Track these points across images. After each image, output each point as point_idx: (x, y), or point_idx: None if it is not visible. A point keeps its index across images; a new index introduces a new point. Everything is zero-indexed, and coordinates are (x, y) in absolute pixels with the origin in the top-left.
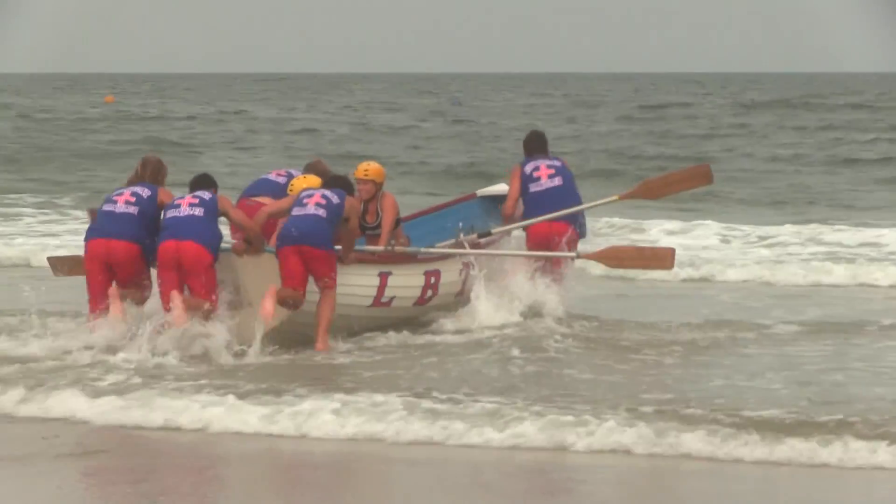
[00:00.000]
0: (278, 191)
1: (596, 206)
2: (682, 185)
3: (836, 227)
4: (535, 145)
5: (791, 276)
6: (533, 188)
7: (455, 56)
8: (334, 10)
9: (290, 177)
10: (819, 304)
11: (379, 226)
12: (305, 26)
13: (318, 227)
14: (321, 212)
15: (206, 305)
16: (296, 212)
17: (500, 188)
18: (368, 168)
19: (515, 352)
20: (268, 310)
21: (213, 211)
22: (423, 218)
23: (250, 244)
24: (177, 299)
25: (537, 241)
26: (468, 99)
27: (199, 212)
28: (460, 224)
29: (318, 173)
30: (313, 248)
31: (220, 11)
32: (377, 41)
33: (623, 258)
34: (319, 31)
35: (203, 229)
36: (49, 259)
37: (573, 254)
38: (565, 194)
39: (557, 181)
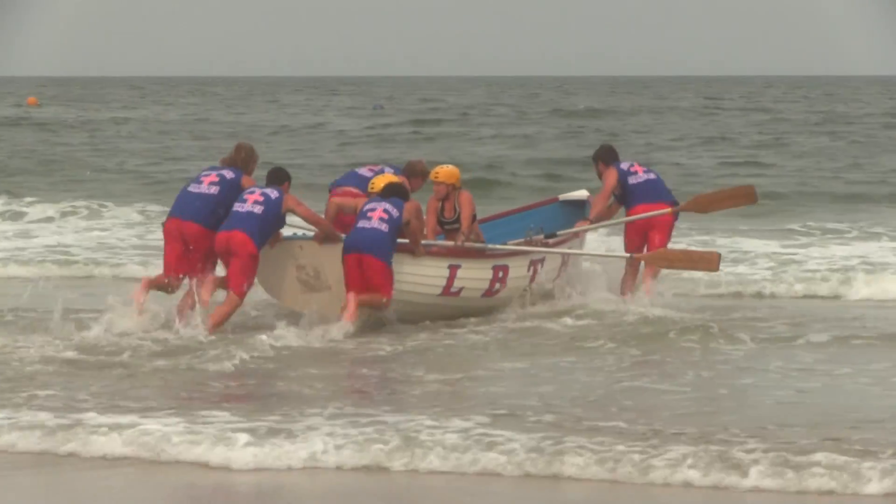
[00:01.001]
0: (362, 184)
1: (653, 216)
2: (728, 202)
3: None
4: (612, 157)
5: None
6: (631, 180)
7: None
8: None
9: (381, 172)
10: None
11: (457, 220)
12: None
13: (379, 240)
14: (383, 226)
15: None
16: (360, 224)
17: (581, 193)
18: (439, 171)
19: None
20: (351, 312)
21: (273, 210)
22: (505, 219)
23: (328, 234)
24: (352, 300)
25: (636, 230)
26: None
27: (258, 210)
28: (531, 226)
29: (415, 173)
30: (375, 258)
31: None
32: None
33: (672, 259)
34: (320, 34)
35: (254, 225)
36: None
37: (628, 255)
38: (660, 187)
39: (652, 175)
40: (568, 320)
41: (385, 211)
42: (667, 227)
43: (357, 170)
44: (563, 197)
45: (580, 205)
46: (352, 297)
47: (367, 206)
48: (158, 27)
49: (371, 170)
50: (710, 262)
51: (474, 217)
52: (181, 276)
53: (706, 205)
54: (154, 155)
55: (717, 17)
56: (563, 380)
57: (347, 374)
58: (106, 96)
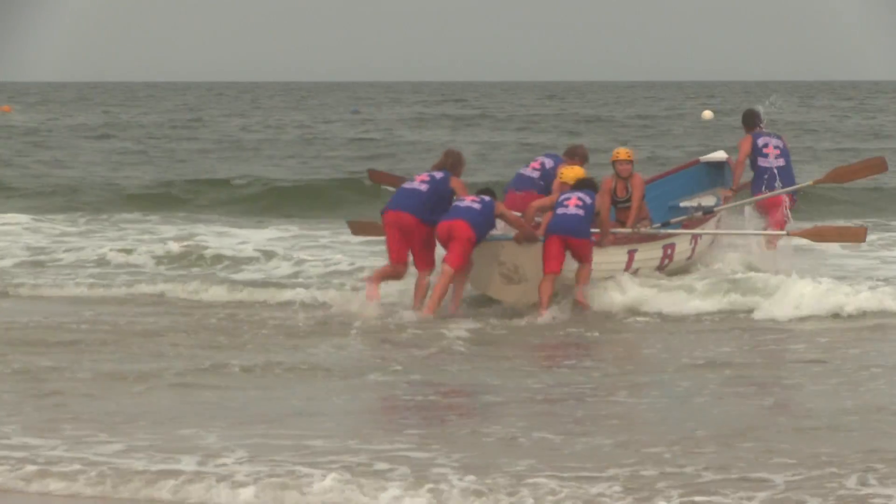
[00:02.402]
0: (531, 184)
1: (798, 189)
2: (862, 172)
3: None
4: (754, 120)
5: None
6: (761, 162)
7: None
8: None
9: (543, 168)
10: None
11: (628, 200)
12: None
13: (579, 223)
14: (580, 212)
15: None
16: (560, 211)
17: (720, 155)
18: (620, 151)
19: None
20: (544, 304)
21: (487, 212)
22: (655, 183)
23: (525, 235)
24: (544, 292)
25: (763, 205)
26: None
27: (476, 206)
28: (699, 204)
29: (577, 156)
30: (576, 238)
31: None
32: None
33: (825, 234)
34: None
35: (474, 218)
36: (349, 222)
37: (784, 232)
38: (785, 174)
39: (781, 161)
40: None
41: (579, 199)
42: (781, 207)
43: (522, 171)
44: (703, 159)
45: (720, 166)
46: (544, 288)
47: (563, 196)
48: (172, 31)
49: (534, 167)
50: (857, 234)
51: (643, 197)
52: (405, 261)
53: (844, 176)
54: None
55: (717, 19)
56: None
57: None
58: (95, 99)
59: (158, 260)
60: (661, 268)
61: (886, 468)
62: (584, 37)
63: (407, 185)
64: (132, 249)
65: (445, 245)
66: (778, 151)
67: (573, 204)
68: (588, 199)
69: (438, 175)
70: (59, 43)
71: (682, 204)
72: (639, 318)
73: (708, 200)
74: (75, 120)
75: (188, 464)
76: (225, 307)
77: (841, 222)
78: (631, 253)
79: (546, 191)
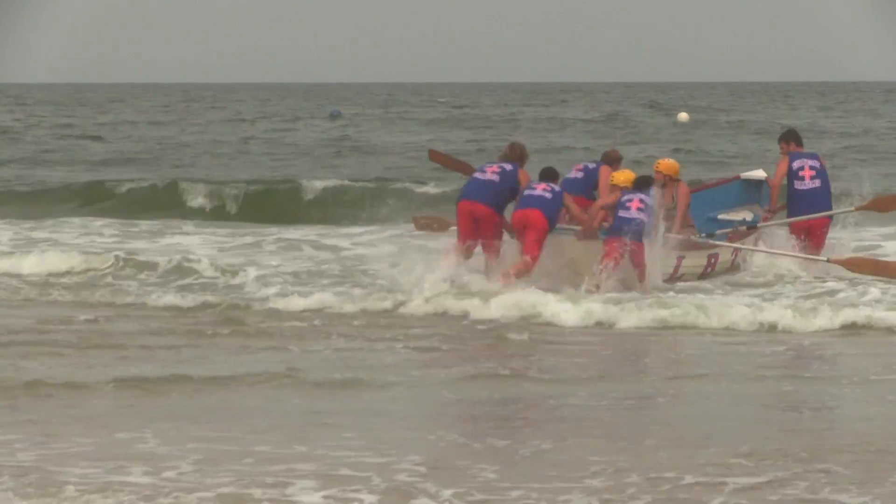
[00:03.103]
0: (578, 186)
1: (837, 213)
2: None
3: None
4: (792, 140)
5: None
6: (798, 185)
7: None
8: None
9: (586, 170)
10: None
11: (673, 208)
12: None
13: (640, 229)
14: (642, 216)
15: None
16: (621, 213)
17: (759, 174)
18: (660, 163)
19: None
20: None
21: (558, 200)
22: (695, 195)
23: (586, 233)
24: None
25: (797, 228)
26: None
27: (548, 195)
28: (743, 219)
29: (613, 160)
30: (636, 243)
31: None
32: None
33: (862, 266)
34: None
35: (547, 207)
36: (414, 217)
37: (824, 258)
38: (822, 196)
39: (817, 183)
40: None
41: (641, 200)
42: (822, 232)
43: (568, 176)
44: (743, 175)
45: (758, 184)
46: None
47: (625, 198)
48: (181, 32)
49: (578, 170)
50: (894, 271)
51: (688, 205)
52: (471, 244)
53: (887, 204)
54: None
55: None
56: None
57: None
58: (84, 101)
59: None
60: (703, 275)
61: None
62: (583, 37)
63: (479, 175)
64: None
65: (520, 233)
66: (814, 173)
67: (635, 207)
68: (649, 200)
69: (508, 167)
70: (58, 43)
71: (720, 216)
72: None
73: (745, 216)
74: None
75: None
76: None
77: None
78: (679, 259)
79: (591, 192)
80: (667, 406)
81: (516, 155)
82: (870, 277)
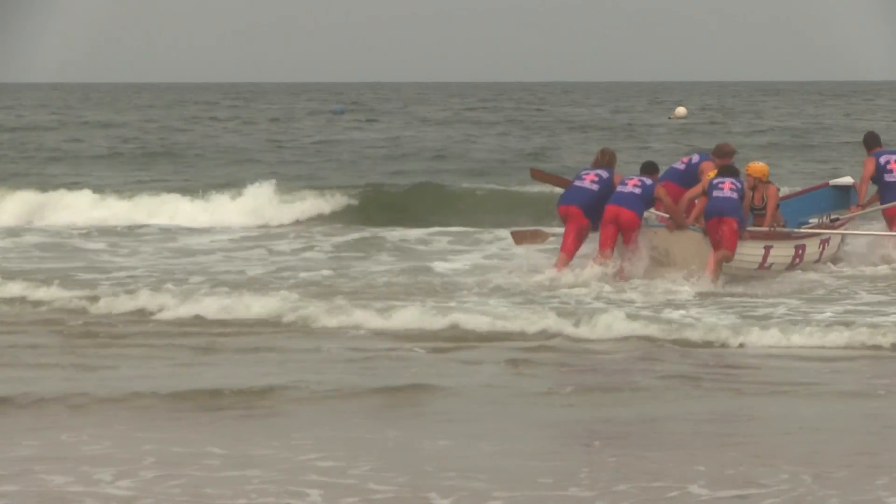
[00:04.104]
0: (678, 176)
1: None
2: None
3: None
4: (875, 141)
5: None
6: (888, 178)
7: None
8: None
9: (690, 162)
10: None
11: (763, 208)
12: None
13: (733, 205)
14: (734, 195)
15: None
16: (715, 193)
17: (847, 180)
18: (750, 165)
19: None
20: (711, 268)
21: (648, 193)
22: (785, 202)
23: (677, 223)
24: (711, 259)
25: (891, 217)
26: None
27: (637, 191)
28: (826, 213)
29: (725, 154)
30: (733, 219)
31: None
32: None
33: None
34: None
35: (636, 204)
36: (512, 231)
37: None
38: None
39: None
40: None
41: (733, 183)
42: None
43: (673, 164)
44: (832, 182)
45: (846, 189)
46: (710, 257)
47: (716, 181)
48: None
49: (683, 161)
50: None
51: (777, 206)
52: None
53: None
54: None
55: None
56: None
57: None
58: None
59: None
60: (792, 266)
61: None
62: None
63: (578, 182)
64: None
65: (607, 223)
66: None
67: (728, 187)
68: (739, 184)
69: (605, 175)
70: (61, 43)
71: (810, 221)
72: None
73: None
74: None
75: None
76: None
77: None
78: (767, 248)
79: (690, 183)
80: None
81: (606, 160)
82: None
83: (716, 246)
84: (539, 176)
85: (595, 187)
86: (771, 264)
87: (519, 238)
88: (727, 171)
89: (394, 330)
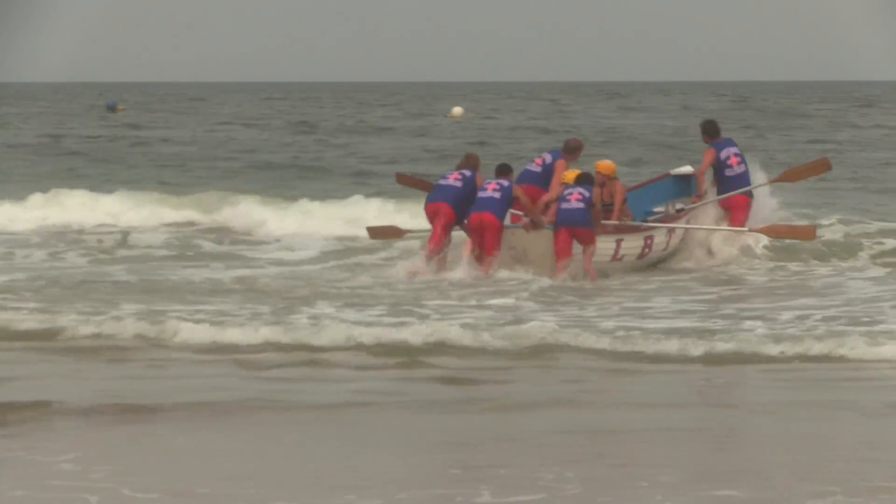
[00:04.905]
0: (534, 179)
1: (759, 186)
2: (808, 172)
3: None
4: (715, 130)
5: None
6: (727, 173)
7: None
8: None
9: (545, 163)
10: None
11: (611, 203)
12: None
13: (581, 215)
14: (581, 205)
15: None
16: (563, 206)
17: (687, 169)
18: (599, 164)
19: None
20: (560, 270)
21: (507, 195)
22: (630, 193)
23: (533, 223)
24: (561, 265)
25: (727, 206)
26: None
27: (497, 195)
28: (669, 203)
29: (572, 149)
30: (580, 228)
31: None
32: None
33: (780, 231)
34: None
35: (496, 207)
36: (368, 228)
37: (746, 228)
38: (746, 178)
39: (742, 168)
40: None
41: (580, 193)
42: (744, 207)
43: (527, 167)
44: (673, 172)
45: (687, 178)
46: (561, 263)
47: (567, 191)
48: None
49: (537, 163)
50: (808, 232)
51: (624, 200)
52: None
53: (794, 175)
54: None
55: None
56: None
57: None
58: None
59: None
60: (641, 256)
61: None
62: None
63: (442, 181)
64: None
65: (476, 231)
66: (738, 159)
67: (574, 198)
68: (587, 193)
69: (468, 174)
70: (64, 42)
71: (655, 210)
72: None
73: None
74: None
75: None
76: None
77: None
78: (618, 242)
79: (546, 183)
80: None
81: (471, 164)
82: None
83: (560, 254)
84: (404, 180)
85: (459, 184)
86: (623, 256)
87: (374, 233)
88: (581, 178)
89: None
